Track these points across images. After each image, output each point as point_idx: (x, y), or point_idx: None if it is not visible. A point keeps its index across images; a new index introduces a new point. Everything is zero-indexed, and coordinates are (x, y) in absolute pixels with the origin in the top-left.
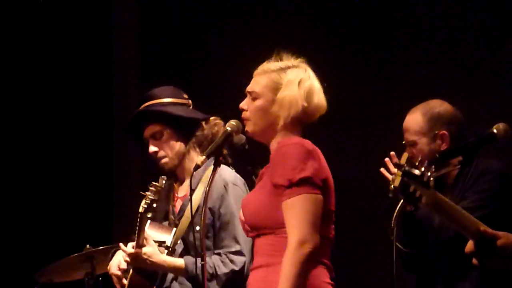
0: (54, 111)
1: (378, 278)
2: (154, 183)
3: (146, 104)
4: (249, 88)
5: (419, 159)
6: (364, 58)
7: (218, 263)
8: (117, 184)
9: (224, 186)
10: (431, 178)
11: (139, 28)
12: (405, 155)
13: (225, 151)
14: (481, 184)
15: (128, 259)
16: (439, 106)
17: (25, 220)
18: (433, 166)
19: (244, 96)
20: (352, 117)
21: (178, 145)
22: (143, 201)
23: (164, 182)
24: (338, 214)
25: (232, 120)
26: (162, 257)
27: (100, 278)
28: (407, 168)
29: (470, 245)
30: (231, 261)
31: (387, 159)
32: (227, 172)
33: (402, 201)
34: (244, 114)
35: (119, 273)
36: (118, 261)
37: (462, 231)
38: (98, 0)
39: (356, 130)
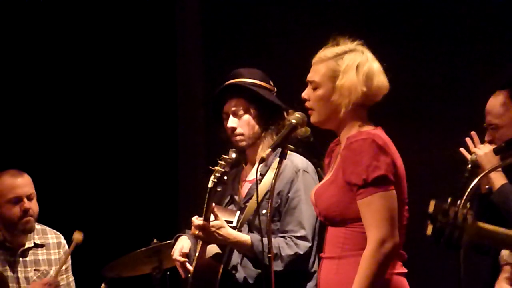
0: (116, 108)
1: (446, 260)
2: (224, 156)
3: (234, 80)
4: (309, 77)
5: (449, 200)
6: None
7: (283, 245)
8: (183, 178)
9: (296, 172)
10: (468, 215)
11: (203, 15)
12: (432, 203)
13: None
14: None
15: (196, 231)
16: None
17: (92, 216)
18: (467, 200)
19: (306, 86)
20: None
21: (257, 128)
22: (212, 176)
23: (234, 155)
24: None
25: (297, 113)
26: (229, 231)
27: (168, 272)
28: (435, 216)
29: None
30: (296, 244)
31: (467, 138)
32: (298, 159)
33: (472, 186)
34: (307, 104)
35: (181, 258)
36: (181, 246)
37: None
38: None
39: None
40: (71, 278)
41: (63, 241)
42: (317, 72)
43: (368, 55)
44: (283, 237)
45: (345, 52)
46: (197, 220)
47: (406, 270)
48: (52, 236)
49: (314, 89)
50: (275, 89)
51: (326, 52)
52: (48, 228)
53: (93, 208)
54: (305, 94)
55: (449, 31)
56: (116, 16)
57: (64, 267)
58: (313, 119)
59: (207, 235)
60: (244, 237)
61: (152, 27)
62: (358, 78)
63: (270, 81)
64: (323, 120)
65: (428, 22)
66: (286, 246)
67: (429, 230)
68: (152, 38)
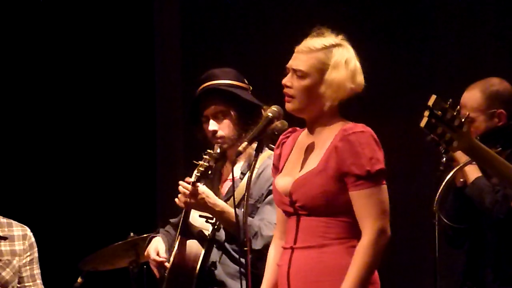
0: (95, 100)
1: (421, 253)
2: (209, 150)
3: (211, 83)
4: (294, 65)
5: (450, 101)
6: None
7: (262, 226)
8: (160, 172)
9: None
10: (465, 123)
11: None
12: (433, 97)
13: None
14: None
15: (185, 198)
16: (498, 84)
17: (69, 209)
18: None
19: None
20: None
21: (238, 129)
22: (196, 170)
23: (219, 149)
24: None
25: (274, 106)
26: (217, 199)
27: (145, 266)
28: (433, 109)
29: None
30: (274, 227)
31: None
32: None
33: (446, 179)
34: (288, 91)
35: (159, 258)
36: (156, 247)
37: (505, 182)
38: None
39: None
40: (36, 271)
41: (29, 233)
42: (304, 61)
43: (352, 51)
44: (261, 219)
45: (333, 46)
46: (186, 183)
47: None
48: (18, 229)
49: (300, 78)
50: (250, 87)
51: (314, 42)
52: (14, 222)
53: (71, 201)
54: (287, 81)
55: (422, 23)
56: (94, 14)
57: (28, 259)
58: (291, 106)
59: (196, 201)
60: (231, 208)
61: (131, 25)
62: (347, 74)
63: (245, 80)
64: (301, 108)
65: (401, 14)
66: (266, 227)
67: (424, 122)
68: (130, 38)
